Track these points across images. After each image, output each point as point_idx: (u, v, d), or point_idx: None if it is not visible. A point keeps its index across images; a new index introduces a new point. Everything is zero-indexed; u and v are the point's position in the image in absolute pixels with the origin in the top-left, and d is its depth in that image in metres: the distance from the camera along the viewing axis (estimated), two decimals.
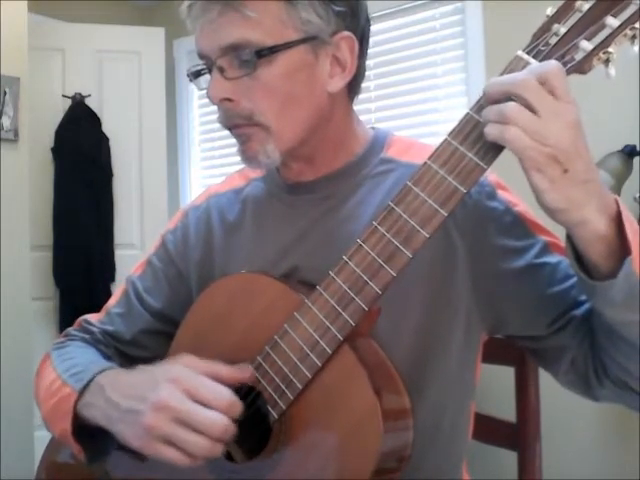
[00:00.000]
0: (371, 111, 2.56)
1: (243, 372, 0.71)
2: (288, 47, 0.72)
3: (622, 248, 0.60)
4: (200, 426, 0.65)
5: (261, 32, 0.71)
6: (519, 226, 0.77)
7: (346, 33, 0.76)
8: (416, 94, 2.50)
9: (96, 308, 0.97)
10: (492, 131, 0.58)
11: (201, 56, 0.77)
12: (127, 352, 0.92)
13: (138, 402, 0.69)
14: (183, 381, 0.68)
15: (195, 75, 0.80)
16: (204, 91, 0.77)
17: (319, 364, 0.67)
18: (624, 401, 0.73)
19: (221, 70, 0.74)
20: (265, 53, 0.71)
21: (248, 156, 0.77)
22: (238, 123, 0.76)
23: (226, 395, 0.67)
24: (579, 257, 0.63)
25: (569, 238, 0.63)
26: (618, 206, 0.61)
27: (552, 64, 0.58)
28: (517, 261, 0.75)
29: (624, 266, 0.59)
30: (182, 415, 0.66)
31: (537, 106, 0.56)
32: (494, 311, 0.78)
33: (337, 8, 0.74)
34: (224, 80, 0.74)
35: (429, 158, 0.63)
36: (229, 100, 0.75)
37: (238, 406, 0.67)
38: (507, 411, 1.03)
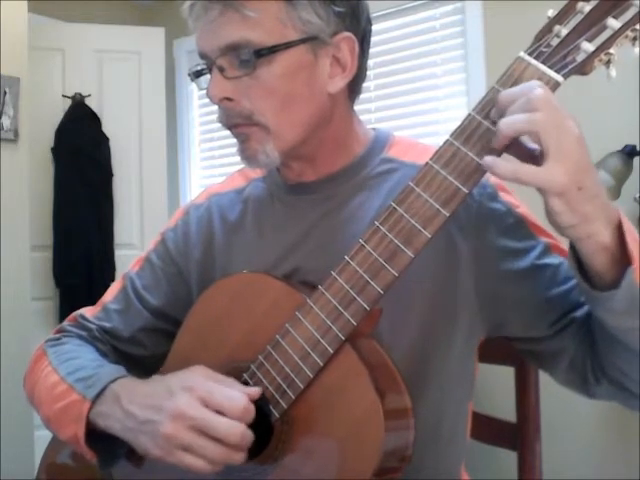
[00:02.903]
0: (371, 111, 2.56)
1: (252, 391, 0.70)
2: (287, 47, 0.72)
3: (624, 257, 0.60)
4: (217, 433, 0.66)
5: (261, 32, 0.71)
6: (521, 228, 0.77)
7: (346, 34, 0.76)
8: (416, 94, 2.50)
9: None
10: (518, 121, 0.57)
11: (202, 56, 0.77)
12: (124, 350, 0.91)
13: (155, 412, 0.69)
14: (198, 389, 0.68)
15: (196, 75, 0.80)
16: (204, 91, 0.77)
17: (321, 363, 0.67)
18: (619, 400, 0.74)
19: (221, 70, 0.74)
20: (264, 53, 0.72)
21: (247, 155, 0.78)
22: (238, 123, 0.76)
23: (241, 401, 0.68)
24: (581, 266, 0.64)
25: (572, 248, 0.63)
26: (619, 215, 0.61)
27: (535, 84, 0.58)
28: (519, 262, 0.76)
29: (626, 276, 0.59)
30: (199, 423, 0.66)
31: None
32: (495, 312, 0.78)
33: (337, 9, 0.74)
34: (224, 80, 0.74)
35: (431, 158, 0.64)
36: (229, 100, 0.75)
37: (252, 411, 0.68)
38: (507, 411, 1.03)
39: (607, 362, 0.70)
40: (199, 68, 0.80)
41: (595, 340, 0.71)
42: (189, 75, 0.81)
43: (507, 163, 0.58)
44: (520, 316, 0.77)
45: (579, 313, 0.74)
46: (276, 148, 0.76)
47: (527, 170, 0.57)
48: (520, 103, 0.57)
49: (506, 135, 0.58)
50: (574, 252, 0.63)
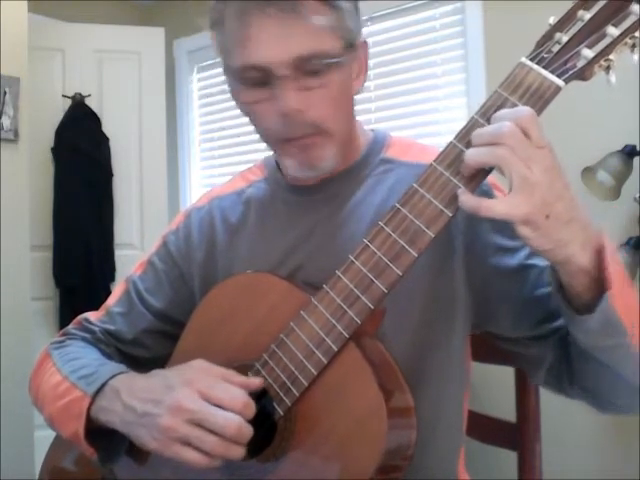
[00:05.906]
0: (371, 111, 2.56)
1: (254, 382, 0.71)
2: (346, 55, 0.74)
3: (603, 280, 0.62)
4: (214, 426, 0.66)
5: (327, 42, 0.72)
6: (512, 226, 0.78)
7: (363, 38, 0.79)
8: (416, 94, 2.50)
9: (96, 308, 0.97)
10: (481, 153, 0.60)
11: (258, 67, 0.72)
12: (128, 352, 0.92)
13: (154, 405, 0.70)
14: (197, 383, 0.69)
15: (250, 84, 0.75)
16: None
17: (325, 361, 0.68)
18: (588, 403, 0.77)
19: (292, 81, 0.72)
20: (333, 62, 0.73)
21: (310, 163, 0.77)
22: (305, 133, 0.75)
23: (240, 396, 0.68)
24: (561, 286, 0.65)
25: (553, 269, 0.65)
26: (601, 239, 0.63)
27: (526, 110, 0.59)
28: (509, 260, 0.77)
29: (601, 302, 0.61)
30: (197, 416, 0.67)
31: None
32: (484, 307, 0.80)
33: (360, 16, 0.77)
34: (297, 91, 0.73)
35: (435, 160, 0.65)
36: (298, 110, 0.73)
37: (252, 407, 0.68)
38: (507, 411, 1.04)
39: (579, 372, 0.73)
40: (253, 77, 0.74)
41: (570, 350, 0.73)
42: (243, 84, 0.75)
43: (472, 198, 0.61)
44: (507, 312, 0.79)
45: (562, 322, 0.75)
46: (338, 152, 0.78)
47: (487, 205, 0.59)
48: (486, 137, 0.59)
49: (470, 166, 0.61)
50: (555, 272, 0.65)
